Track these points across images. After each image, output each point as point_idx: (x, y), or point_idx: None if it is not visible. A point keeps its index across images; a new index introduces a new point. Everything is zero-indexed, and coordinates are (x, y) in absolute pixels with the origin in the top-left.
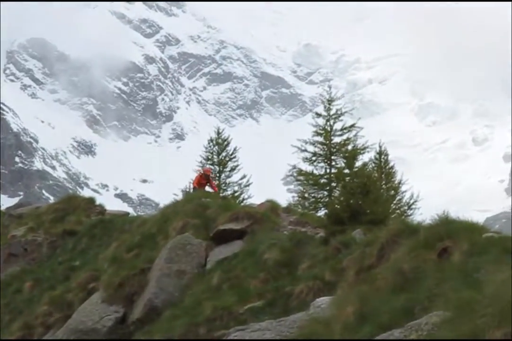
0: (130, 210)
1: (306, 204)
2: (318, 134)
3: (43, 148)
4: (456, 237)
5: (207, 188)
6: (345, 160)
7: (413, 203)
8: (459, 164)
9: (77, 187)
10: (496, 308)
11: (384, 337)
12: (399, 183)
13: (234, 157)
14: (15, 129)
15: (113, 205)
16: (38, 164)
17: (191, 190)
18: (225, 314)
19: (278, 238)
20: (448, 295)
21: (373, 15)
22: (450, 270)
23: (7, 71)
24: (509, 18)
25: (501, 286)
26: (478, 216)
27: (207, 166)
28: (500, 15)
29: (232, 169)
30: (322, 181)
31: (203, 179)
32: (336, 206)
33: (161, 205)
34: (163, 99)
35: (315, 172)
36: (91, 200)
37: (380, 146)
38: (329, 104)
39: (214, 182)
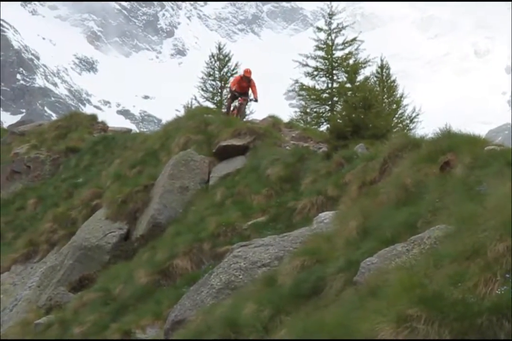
0: (133, 127)
1: (308, 118)
2: (319, 48)
3: (45, 65)
4: (458, 150)
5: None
6: (346, 75)
7: (415, 117)
8: (461, 77)
9: (79, 104)
10: (498, 221)
11: (387, 252)
12: (401, 96)
13: (236, 72)
14: (16, 47)
15: (115, 121)
16: (40, 81)
17: (228, 94)
18: (228, 229)
19: (280, 153)
20: (451, 208)
21: None
22: (452, 183)
23: None
24: None
25: (503, 199)
26: (481, 128)
27: (246, 69)
28: None
29: None
30: (324, 95)
31: (244, 81)
32: (338, 120)
33: (164, 121)
34: (164, 14)
35: (317, 86)
36: (93, 117)
37: (381, 60)
38: (330, 18)
39: (255, 84)
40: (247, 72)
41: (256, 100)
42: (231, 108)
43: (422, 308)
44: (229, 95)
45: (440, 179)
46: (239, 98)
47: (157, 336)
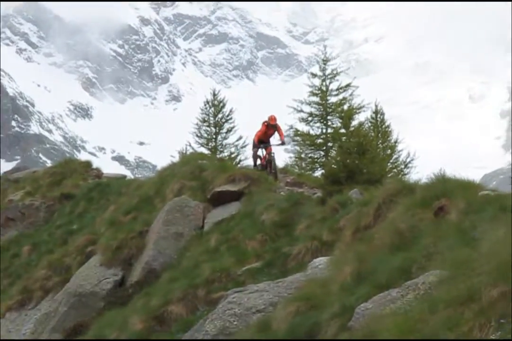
0: (128, 173)
1: (303, 164)
2: (314, 94)
3: (40, 112)
4: (453, 195)
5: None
6: (341, 120)
7: (409, 162)
8: (456, 121)
9: (74, 150)
10: (492, 266)
11: (381, 297)
12: (396, 141)
13: (230, 118)
14: (11, 94)
15: (110, 168)
16: (34, 128)
17: (252, 146)
18: (223, 275)
19: (275, 198)
20: (445, 253)
21: None
22: (446, 228)
23: (3, 35)
24: None
25: (498, 244)
26: (475, 173)
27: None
28: None
29: (229, 131)
30: (319, 141)
31: (270, 129)
32: (333, 165)
33: (158, 167)
34: (159, 61)
35: (312, 132)
36: (88, 163)
37: (376, 105)
38: (325, 64)
39: (280, 128)
40: (273, 119)
41: (283, 143)
42: (259, 156)
43: None
44: (253, 149)
45: (434, 224)
46: (266, 148)
47: None
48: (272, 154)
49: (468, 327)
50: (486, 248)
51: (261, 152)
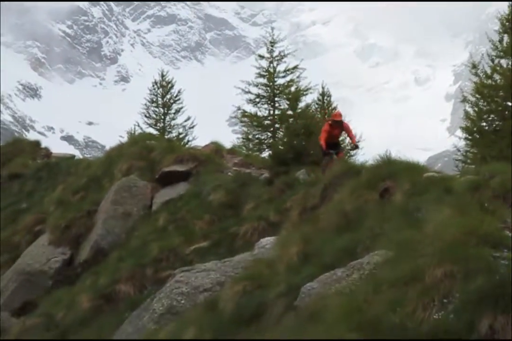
0: (76, 153)
1: (251, 145)
2: (261, 76)
3: None
4: (398, 177)
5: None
6: (288, 102)
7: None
8: (401, 104)
9: (23, 130)
10: (436, 247)
11: (327, 277)
12: None
13: (179, 99)
14: None
15: (59, 147)
16: None
17: (323, 153)
18: (171, 255)
19: (222, 179)
20: (389, 234)
21: None
22: (391, 210)
23: None
24: None
25: (441, 225)
26: (420, 155)
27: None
28: None
29: (177, 111)
30: (266, 122)
31: (335, 127)
32: (280, 147)
33: (107, 147)
34: (107, 42)
35: (259, 113)
36: (36, 143)
37: (323, 88)
38: (272, 46)
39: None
40: (338, 115)
41: (357, 147)
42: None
43: (361, 333)
44: (323, 157)
45: (379, 205)
46: (336, 153)
47: None
48: (344, 158)
49: (412, 307)
50: (430, 229)
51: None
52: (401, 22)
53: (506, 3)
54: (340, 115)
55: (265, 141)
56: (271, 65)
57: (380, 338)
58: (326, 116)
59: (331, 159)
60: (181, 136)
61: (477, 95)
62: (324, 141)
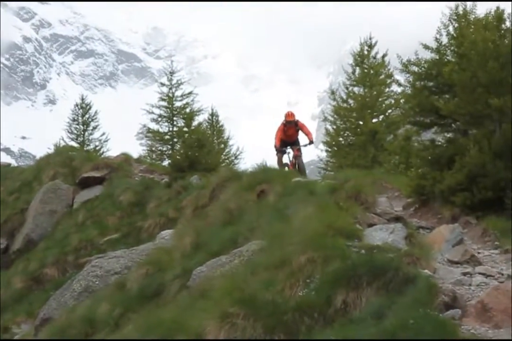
0: (12, 162)
1: (154, 155)
2: (163, 99)
3: None
4: (272, 181)
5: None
6: (184, 121)
7: (238, 154)
8: (276, 122)
9: None
10: (301, 238)
11: (213, 262)
12: (228, 138)
13: (96, 118)
14: None
15: None
16: None
17: (275, 150)
18: (88, 244)
19: (131, 183)
20: (264, 227)
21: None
22: (266, 207)
23: None
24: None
25: (306, 220)
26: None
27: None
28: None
29: (94, 128)
30: (166, 137)
31: (290, 127)
32: (178, 157)
33: (37, 157)
34: (38, 71)
35: (161, 129)
36: None
37: (212, 109)
38: (171, 75)
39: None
40: (290, 115)
41: (312, 142)
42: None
43: (241, 307)
44: (276, 154)
45: (256, 204)
46: (293, 150)
47: (29, 331)
48: (300, 156)
49: (281, 286)
50: (296, 223)
51: (287, 157)
52: (277, 55)
53: (359, 41)
54: (291, 115)
55: (166, 152)
56: (171, 91)
57: (256, 311)
58: (215, 132)
59: (294, 158)
60: (97, 148)
61: (335, 116)
62: (278, 140)
